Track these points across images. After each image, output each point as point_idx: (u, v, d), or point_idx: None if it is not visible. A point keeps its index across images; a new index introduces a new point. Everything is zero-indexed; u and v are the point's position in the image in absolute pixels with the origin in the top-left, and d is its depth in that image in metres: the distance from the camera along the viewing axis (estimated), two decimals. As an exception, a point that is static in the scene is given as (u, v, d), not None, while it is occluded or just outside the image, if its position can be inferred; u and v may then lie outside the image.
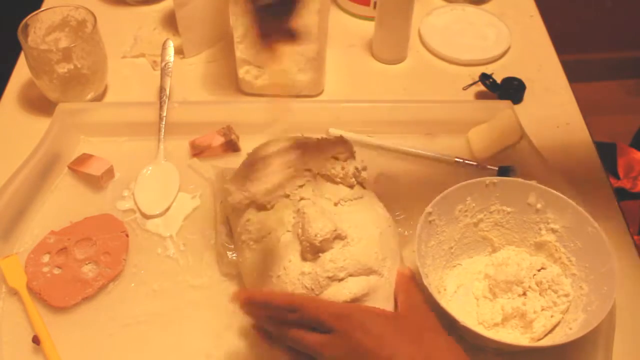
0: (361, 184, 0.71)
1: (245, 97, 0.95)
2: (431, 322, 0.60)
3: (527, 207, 0.71)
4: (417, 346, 0.56)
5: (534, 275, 0.69)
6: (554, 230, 0.70)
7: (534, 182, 0.71)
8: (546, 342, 0.66)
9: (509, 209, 0.72)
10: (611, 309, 0.65)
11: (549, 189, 0.70)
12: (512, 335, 0.67)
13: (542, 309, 0.66)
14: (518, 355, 0.67)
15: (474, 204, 0.72)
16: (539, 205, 0.70)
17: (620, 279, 0.63)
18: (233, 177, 0.72)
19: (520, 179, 0.71)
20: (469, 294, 0.72)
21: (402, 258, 0.69)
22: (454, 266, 0.74)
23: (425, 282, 0.63)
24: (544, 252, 0.71)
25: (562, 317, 0.66)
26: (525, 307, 0.67)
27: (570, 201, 0.68)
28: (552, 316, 0.66)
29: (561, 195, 0.69)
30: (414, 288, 0.64)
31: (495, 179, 0.71)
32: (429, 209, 0.69)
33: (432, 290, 0.63)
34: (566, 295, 0.66)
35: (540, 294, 0.68)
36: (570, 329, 0.65)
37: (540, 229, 0.71)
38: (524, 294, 0.69)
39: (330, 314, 0.57)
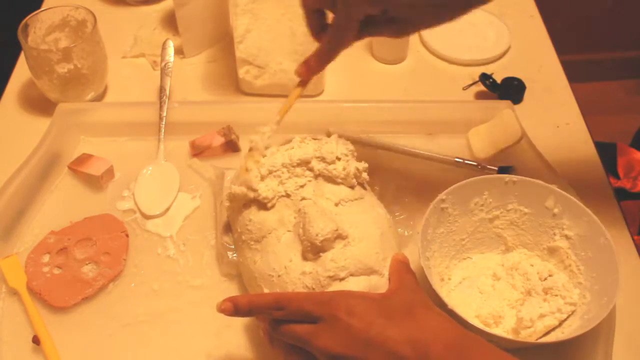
0: (362, 185, 0.71)
1: (245, 97, 0.95)
2: (420, 298, 0.59)
3: (544, 210, 0.71)
4: (408, 321, 0.55)
5: (545, 279, 0.69)
6: (567, 237, 0.69)
7: (554, 186, 0.70)
8: (540, 333, 0.65)
9: (526, 210, 0.72)
10: (612, 309, 0.65)
11: (568, 195, 0.69)
12: (506, 334, 0.67)
13: (541, 316, 0.66)
14: (517, 356, 0.66)
15: (490, 200, 0.72)
16: (556, 210, 0.70)
17: (620, 279, 0.63)
18: (235, 177, 0.72)
19: (540, 181, 0.71)
20: (473, 287, 0.72)
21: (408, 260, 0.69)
22: (464, 259, 0.74)
23: (424, 264, 0.63)
24: (555, 258, 0.71)
25: (559, 323, 0.66)
26: (521, 314, 0.66)
27: (587, 210, 0.68)
28: (549, 321, 0.66)
29: (579, 202, 0.68)
30: (405, 270, 0.63)
31: (515, 177, 0.71)
32: (442, 195, 0.69)
33: (430, 273, 0.63)
34: (572, 304, 0.66)
35: (545, 299, 0.68)
36: (562, 332, 0.65)
37: (554, 234, 0.71)
38: (529, 292, 0.69)
39: (314, 302, 0.56)
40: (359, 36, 0.66)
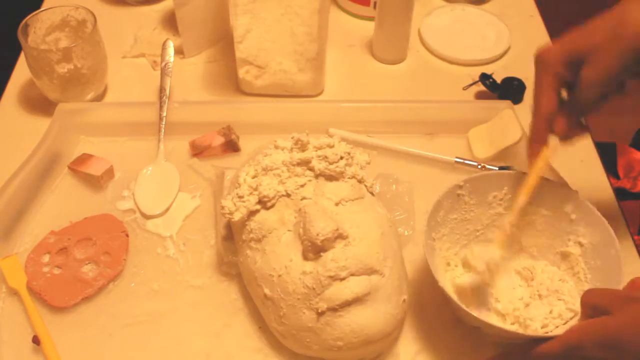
0: (362, 182, 0.71)
1: (245, 97, 0.95)
2: None
3: (562, 214, 0.70)
4: None
5: (552, 283, 0.69)
6: (581, 244, 0.69)
7: (575, 191, 0.70)
8: (537, 333, 0.65)
9: (544, 212, 0.71)
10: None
11: (587, 202, 0.69)
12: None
13: (543, 326, 0.66)
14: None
15: (510, 196, 0.71)
16: (573, 216, 0.69)
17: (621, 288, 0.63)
18: (228, 192, 0.72)
19: (563, 185, 0.71)
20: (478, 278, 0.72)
21: (402, 258, 0.69)
22: None
23: (426, 242, 0.64)
24: (566, 264, 0.71)
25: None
26: (527, 315, 0.66)
27: (603, 219, 0.67)
28: (548, 325, 0.66)
29: (596, 211, 0.68)
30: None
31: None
32: (459, 182, 0.69)
33: (432, 253, 0.63)
34: (573, 311, 0.66)
35: (549, 303, 0.68)
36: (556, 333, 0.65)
37: (569, 239, 0.70)
38: (532, 295, 0.69)
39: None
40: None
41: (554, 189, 0.71)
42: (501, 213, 0.73)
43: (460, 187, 0.69)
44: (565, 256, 0.71)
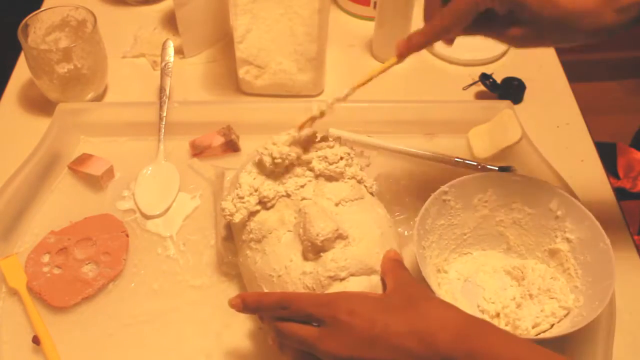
0: (362, 182, 0.71)
1: (245, 97, 0.95)
2: (419, 291, 0.58)
3: (547, 211, 0.70)
4: (410, 313, 0.54)
5: (544, 282, 0.69)
6: (569, 240, 0.69)
7: (558, 188, 0.70)
8: (531, 336, 0.66)
9: (529, 210, 0.71)
10: (611, 309, 0.65)
11: (572, 198, 0.69)
12: None
13: (536, 325, 0.66)
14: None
15: (495, 197, 0.72)
16: (559, 212, 0.69)
17: (620, 280, 0.63)
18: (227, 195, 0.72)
19: (545, 182, 0.71)
20: (471, 282, 0.72)
21: (402, 258, 0.69)
22: (465, 253, 0.74)
23: (418, 252, 0.64)
24: (555, 261, 0.71)
25: (550, 326, 0.66)
26: (519, 322, 0.66)
27: (589, 213, 0.67)
28: (540, 324, 0.66)
29: (582, 206, 0.68)
30: (400, 268, 0.63)
31: (520, 176, 0.71)
32: (444, 188, 0.69)
33: (424, 262, 0.63)
34: (565, 308, 0.66)
35: (540, 302, 0.68)
36: (551, 333, 0.65)
37: (556, 236, 0.70)
38: (524, 295, 0.69)
39: (317, 304, 0.56)
40: (470, 30, 0.63)
41: (536, 186, 0.71)
42: (487, 215, 0.73)
43: (445, 192, 0.69)
44: (554, 253, 0.71)
